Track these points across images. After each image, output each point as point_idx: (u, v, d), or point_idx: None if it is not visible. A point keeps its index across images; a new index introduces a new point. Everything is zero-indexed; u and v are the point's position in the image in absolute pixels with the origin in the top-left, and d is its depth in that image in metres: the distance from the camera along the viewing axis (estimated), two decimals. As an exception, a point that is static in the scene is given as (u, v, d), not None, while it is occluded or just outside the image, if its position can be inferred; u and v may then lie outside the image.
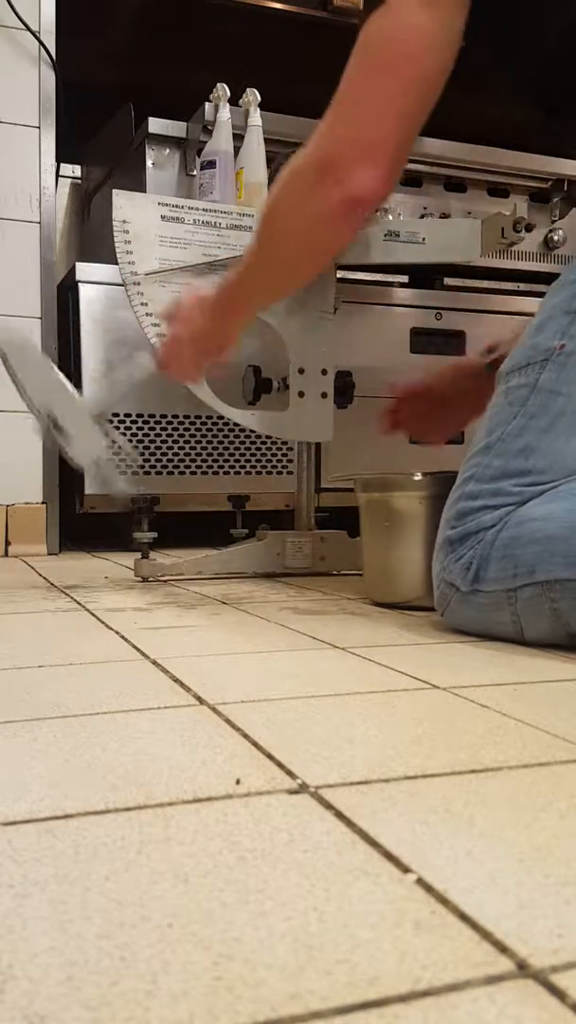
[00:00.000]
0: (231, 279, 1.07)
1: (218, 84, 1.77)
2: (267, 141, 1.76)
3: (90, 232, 2.33)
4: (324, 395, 1.38)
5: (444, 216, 2.01)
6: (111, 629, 0.91)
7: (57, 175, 1.96)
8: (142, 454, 1.87)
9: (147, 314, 1.33)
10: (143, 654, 0.78)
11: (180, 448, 1.89)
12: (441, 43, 0.84)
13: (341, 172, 0.86)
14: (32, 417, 1.25)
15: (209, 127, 1.79)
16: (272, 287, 1.08)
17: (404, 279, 2.06)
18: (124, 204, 1.33)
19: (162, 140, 1.89)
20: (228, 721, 0.57)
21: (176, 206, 1.36)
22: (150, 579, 1.35)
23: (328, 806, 0.42)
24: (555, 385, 0.86)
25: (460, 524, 0.87)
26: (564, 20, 0.88)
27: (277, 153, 1.65)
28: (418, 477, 1.04)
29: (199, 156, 1.81)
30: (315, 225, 0.92)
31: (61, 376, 1.22)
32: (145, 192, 1.84)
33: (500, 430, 0.88)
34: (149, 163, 1.89)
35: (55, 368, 1.23)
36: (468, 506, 0.87)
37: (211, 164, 1.74)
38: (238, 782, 0.45)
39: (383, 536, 1.07)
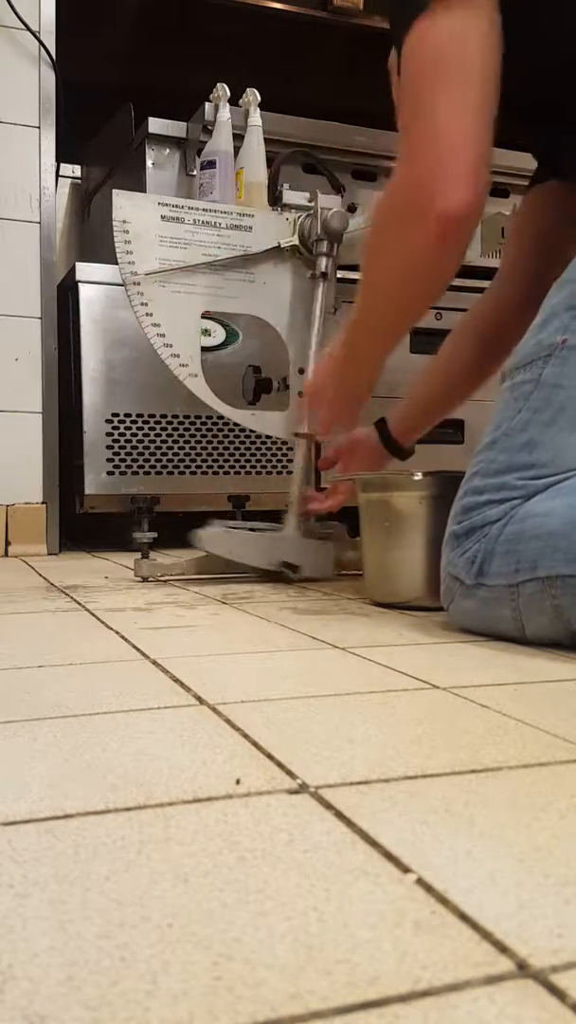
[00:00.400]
0: (346, 326, 1.08)
1: (218, 84, 1.77)
2: (267, 141, 1.76)
3: (90, 232, 2.33)
4: (324, 395, 1.38)
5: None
6: (111, 629, 0.91)
7: (57, 175, 1.96)
8: (142, 454, 1.87)
9: (147, 314, 1.33)
10: (143, 654, 0.78)
11: (180, 448, 1.89)
12: (486, 43, 0.82)
13: (432, 198, 0.83)
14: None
15: (209, 127, 1.79)
16: (384, 328, 1.05)
17: (404, 279, 2.05)
18: (124, 204, 1.33)
19: (162, 140, 1.89)
20: (228, 721, 0.57)
21: (176, 206, 1.36)
22: (150, 579, 1.35)
23: (328, 806, 0.42)
24: (558, 379, 0.87)
25: (466, 518, 0.88)
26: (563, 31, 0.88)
27: (277, 153, 1.65)
28: (418, 477, 1.04)
29: (199, 156, 1.81)
30: (419, 258, 0.89)
31: (250, 530, 1.34)
32: (145, 192, 1.84)
33: (504, 425, 0.89)
34: (149, 163, 1.89)
35: (243, 526, 1.36)
36: (474, 501, 0.88)
37: (211, 164, 1.74)
38: (238, 782, 0.45)
39: (383, 536, 1.07)
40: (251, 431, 1.86)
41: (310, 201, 1.42)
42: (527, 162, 1.38)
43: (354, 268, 1.85)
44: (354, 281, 1.99)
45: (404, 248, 0.89)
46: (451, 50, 0.83)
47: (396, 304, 0.99)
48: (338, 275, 1.42)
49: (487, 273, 2.09)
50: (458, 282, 2.09)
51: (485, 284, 2.10)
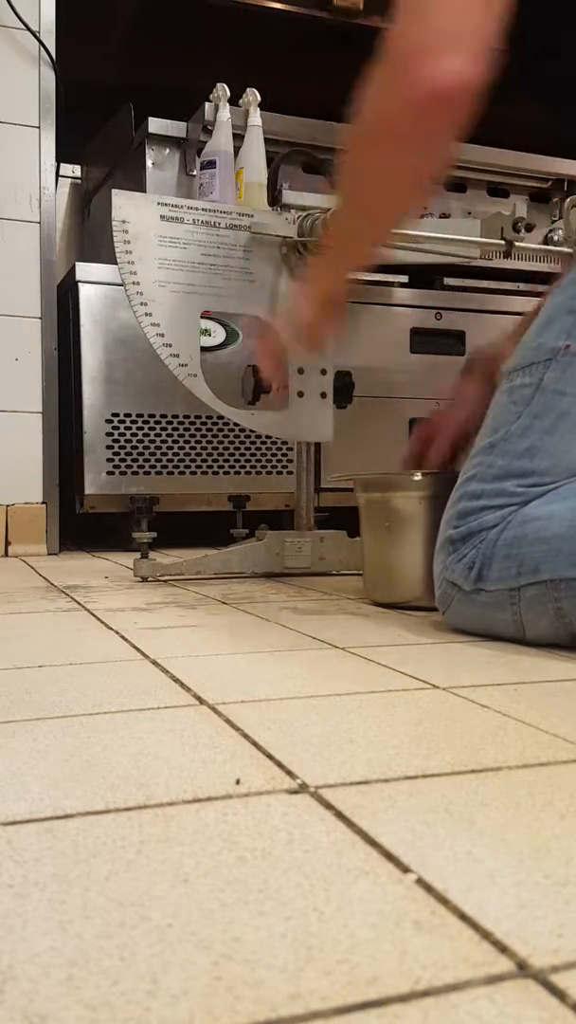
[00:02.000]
0: (337, 235, 0.98)
1: (218, 84, 1.77)
2: (267, 141, 1.76)
3: (90, 232, 2.33)
4: (324, 395, 1.38)
5: (444, 216, 2.01)
6: (111, 629, 0.91)
7: (57, 175, 1.96)
8: (142, 454, 1.87)
9: (147, 314, 1.33)
10: (143, 654, 0.78)
11: (180, 448, 1.89)
12: None
13: (425, 61, 0.75)
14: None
15: (209, 127, 1.79)
16: (371, 215, 0.95)
17: (404, 279, 2.06)
18: (124, 204, 1.33)
19: (162, 140, 1.89)
20: (228, 721, 0.57)
21: (176, 206, 1.36)
22: (149, 579, 1.35)
23: (328, 806, 0.42)
24: (559, 385, 0.86)
25: (462, 523, 0.87)
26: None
27: (277, 153, 1.65)
28: (418, 477, 1.04)
29: (199, 156, 1.81)
30: (403, 128, 0.80)
31: None
32: (145, 192, 1.84)
33: (504, 429, 0.88)
34: (149, 163, 1.89)
35: None
36: (470, 506, 0.87)
37: (211, 164, 1.74)
38: (238, 782, 0.45)
39: (383, 536, 1.07)
40: (251, 431, 1.87)
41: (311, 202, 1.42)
42: (527, 162, 1.39)
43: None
44: (354, 281, 1.98)
45: (393, 113, 0.80)
46: None
47: (385, 183, 0.88)
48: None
49: (487, 273, 2.10)
50: (458, 282, 2.10)
51: (485, 284, 2.12)
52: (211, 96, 1.78)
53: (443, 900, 0.33)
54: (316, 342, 1.12)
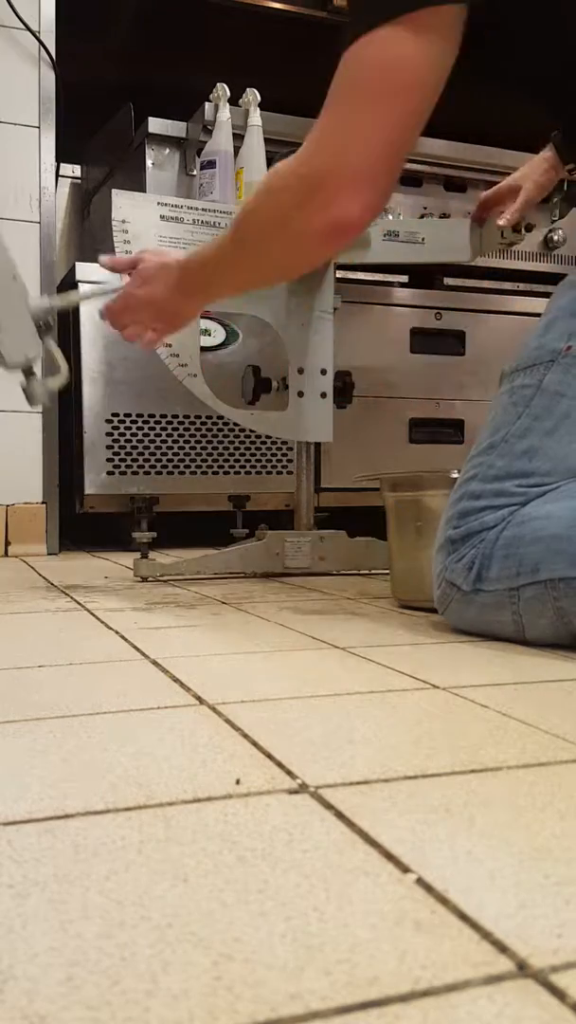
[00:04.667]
0: (198, 260, 1.04)
1: (218, 84, 1.77)
2: (267, 141, 1.76)
3: (90, 232, 2.33)
4: (324, 395, 1.38)
5: (444, 216, 2.01)
6: (111, 629, 0.91)
7: (57, 175, 1.96)
8: (142, 454, 1.87)
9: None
10: (143, 654, 0.78)
11: (180, 448, 1.89)
12: (431, 76, 0.81)
13: (328, 196, 0.83)
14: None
15: (209, 127, 1.79)
16: (238, 285, 1.07)
17: (404, 279, 2.06)
18: (123, 204, 1.33)
19: (162, 140, 1.89)
20: (228, 721, 0.57)
21: (176, 206, 1.36)
22: (149, 579, 1.35)
23: (328, 806, 0.42)
24: (560, 387, 0.86)
25: (462, 523, 0.87)
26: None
27: (277, 153, 1.65)
28: (454, 475, 0.98)
29: (199, 156, 1.81)
30: (293, 244, 0.90)
31: (14, 268, 1.15)
32: (145, 192, 1.84)
33: (504, 430, 0.88)
34: (149, 163, 1.89)
35: (10, 258, 1.16)
36: (470, 506, 0.87)
37: (211, 164, 1.74)
38: (238, 782, 0.45)
39: (413, 536, 1.05)
40: (251, 431, 1.87)
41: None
42: (526, 162, 1.38)
43: (354, 268, 1.85)
44: (353, 280, 1.98)
45: (286, 231, 0.88)
46: (388, 76, 0.81)
47: (256, 268, 0.99)
48: (337, 275, 1.42)
49: (487, 273, 2.10)
50: (458, 282, 2.10)
51: (485, 284, 2.12)
52: (211, 96, 1.78)
53: (443, 900, 0.33)
54: (122, 332, 1.16)
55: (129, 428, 1.86)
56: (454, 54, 0.81)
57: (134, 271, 1.11)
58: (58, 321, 1.90)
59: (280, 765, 0.48)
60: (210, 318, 1.87)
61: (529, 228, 1.33)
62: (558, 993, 0.27)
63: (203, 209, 1.38)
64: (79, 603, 1.10)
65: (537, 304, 0.97)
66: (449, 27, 0.79)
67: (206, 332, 1.85)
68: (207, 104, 1.79)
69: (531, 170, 1.25)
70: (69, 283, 1.90)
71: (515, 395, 0.89)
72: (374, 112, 0.82)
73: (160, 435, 1.88)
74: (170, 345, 1.32)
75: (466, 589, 0.86)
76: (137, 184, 1.88)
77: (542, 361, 0.88)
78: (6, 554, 1.85)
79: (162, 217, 1.34)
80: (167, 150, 1.90)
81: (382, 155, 0.83)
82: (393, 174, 0.85)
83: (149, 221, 1.33)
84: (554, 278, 0.95)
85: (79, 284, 1.84)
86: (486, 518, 0.86)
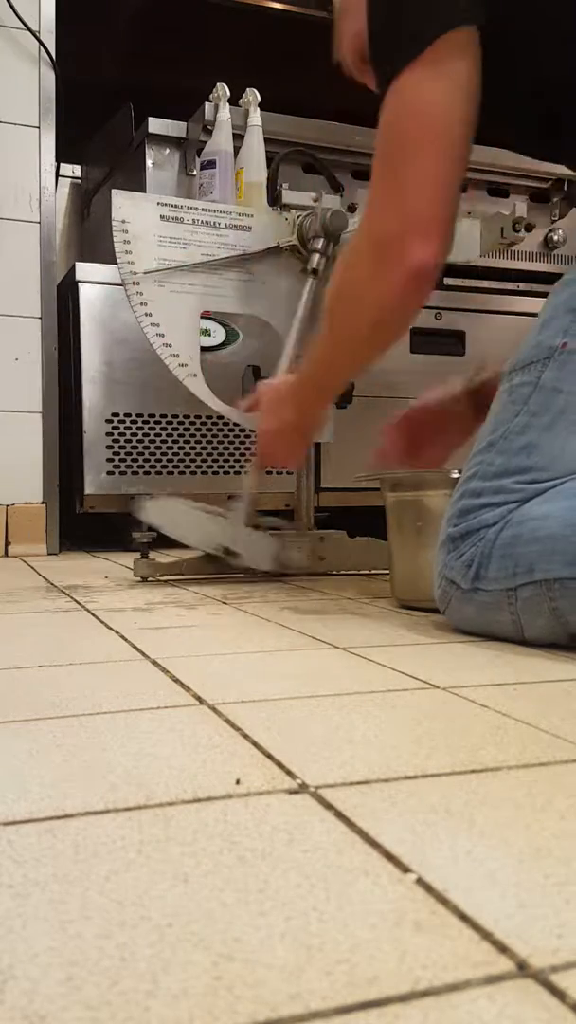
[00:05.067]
0: (305, 368, 1.11)
1: (218, 84, 1.77)
2: (267, 141, 1.76)
3: (90, 232, 2.33)
4: (324, 395, 1.38)
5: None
6: (111, 629, 0.91)
7: (57, 175, 1.96)
8: (142, 454, 1.87)
9: (146, 314, 1.33)
10: (143, 654, 0.78)
11: (180, 448, 1.89)
12: (459, 105, 0.86)
13: (399, 250, 0.89)
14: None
15: (209, 127, 1.79)
16: (349, 367, 1.10)
17: (404, 279, 2.05)
18: (123, 204, 1.33)
19: (162, 140, 1.89)
20: (228, 721, 0.57)
21: (175, 206, 1.36)
22: (149, 579, 1.34)
23: (328, 806, 0.42)
24: (557, 383, 0.87)
25: (462, 521, 0.88)
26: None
27: (277, 153, 1.65)
28: (455, 475, 0.98)
29: (199, 156, 1.81)
30: (384, 305, 0.94)
31: (200, 510, 1.31)
32: (145, 192, 1.84)
33: (503, 428, 0.88)
34: (149, 163, 1.89)
35: (193, 506, 1.32)
36: (470, 503, 0.88)
37: (211, 164, 1.74)
38: (238, 782, 0.45)
39: (414, 536, 1.05)
40: (251, 431, 1.87)
41: (315, 201, 1.42)
42: (526, 162, 1.39)
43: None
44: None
45: (373, 296, 0.94)
46: (419, 123, 0.87)
47: (359, 345, 1.03)
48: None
49: (487, 273, 2.10)
50: (456, 282, 2.10)
51: (485, 284, 2.12)
52: (211, 96, 1.78)
53: (443, 900, 0.33)
54: (280, 465, 1.27)
55: (129, 428, 1.86)
56: (478, 70, 0.85)
57: (258, 410, 1.20)
58: (58, 321, 1.91)
59: (280, 765, 0.48)
60: (210, 318, 1.87)
61: (529, 228, 1.33)
62: (558, 993, 0.27)
63: (203, 209, 1.38)
64: (79, 603, 1.10)
65: (537, 304, 0.97)
66: (464, 48, 0.85)
67: (206, 332, 1.85)
68: (207, 104, 1.79)
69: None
70: (69, 283, 1.90)
71: (514, 393, 0.89)
72: (419, 162, 0.88)
73: (160, 435, 1.88)
74: (171, 345, 1.33)
75: (465, 587, 0.86)
76: (137, 184, 1.88)
77: (539, 358, 0.88)
78: (6, 554, 1.85)
79: (162, 217, 1.34)
80: (167, 150, 1.90)
81: (437, 197, 0.88)
82: (452, 207, 0.90)
83: (149, 221, 1.33)
84: (554, 278, 0.95)
85: (81, 288, 1.84)
86: (485, 515, 0.86)
